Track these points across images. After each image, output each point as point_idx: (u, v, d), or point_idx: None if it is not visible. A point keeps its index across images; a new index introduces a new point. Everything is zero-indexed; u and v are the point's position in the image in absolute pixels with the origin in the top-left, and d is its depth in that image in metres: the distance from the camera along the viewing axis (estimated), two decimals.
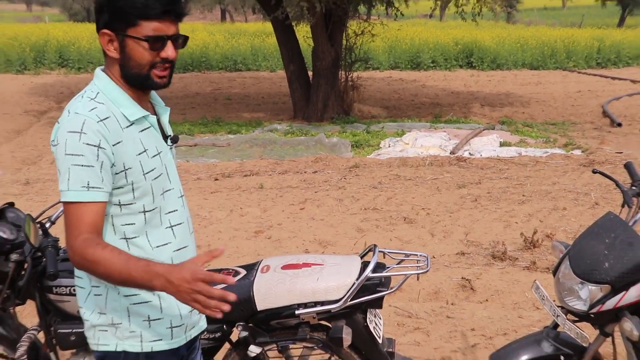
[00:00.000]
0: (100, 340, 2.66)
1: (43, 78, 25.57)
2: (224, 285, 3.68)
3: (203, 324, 2.92)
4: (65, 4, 56.55)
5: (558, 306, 3.56)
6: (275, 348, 3.85)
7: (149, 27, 2.45)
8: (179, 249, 2.70)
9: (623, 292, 3.31)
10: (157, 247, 2.62)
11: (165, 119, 2.72)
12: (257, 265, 3.87)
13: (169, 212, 2.68)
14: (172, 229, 2.69)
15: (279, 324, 3.76)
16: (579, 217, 8.24)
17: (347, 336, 3.62)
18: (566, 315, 3.53)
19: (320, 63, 15.86)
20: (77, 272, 2.67)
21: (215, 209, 9.03)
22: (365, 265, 3.65)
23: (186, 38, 2.61)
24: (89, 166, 2.38)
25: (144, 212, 2.58)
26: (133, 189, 2.53)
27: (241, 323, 3.75)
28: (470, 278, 6.49)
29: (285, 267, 3.76)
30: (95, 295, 2.63)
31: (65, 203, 2.43)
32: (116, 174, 2.46)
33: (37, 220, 3.78)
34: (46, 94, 20.96)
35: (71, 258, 2.44)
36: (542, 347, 3.64)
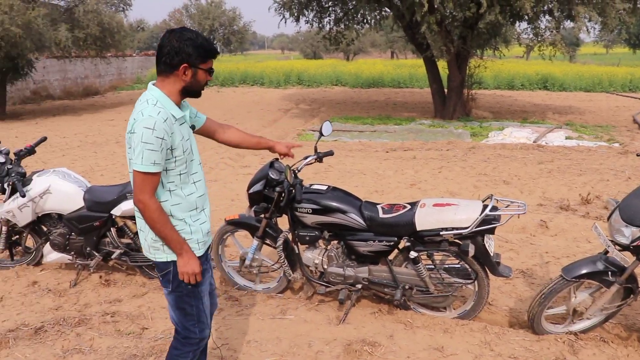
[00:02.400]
0: (156, 255, 2.61)
1: (288, 91, 26.28)
2: (399, 212, 3.92)
3: (209, 240, 2.79)
4: (302, 48, 58.09)
5: (609, 240, 3.57)
6: (426, 254, 3.95)
7: (210, 63, 2.54)
8: (200, 196, 2.66)
9: None
10: (187, 195, 2.60)
11: (186, 115, 2.62)
12: (417, 203, 3.97)
13: (193, 174, 2.64)
14: (195, 184, 2.64)
15: (429, 240, 3.85)
16: (617, 186, 7.88)
17: (471, 250, 3.72)
18: (614, 246, 3.55)
19: (452, 83, 15.95)
20: (139, 217, 2.60)
21: (386, 170, 9.12)
22: (485, 206, 3.71)
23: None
24: (155, 151, 2.38)
25: (180, 174, 2.55)
26: (175, 161, 2.51)
27: (406, 237, 3.89)
28: (546, 220, 6.35)
29: (435, 205, 3.86)
30: (147, 226, 2.56)
31: (137, 172, 2.41)
32: (168, 151, 2.46)
33: (291, 168, 4.07)
34: (289, 99, 21.69)
35: (137, 203, 2.46)
36: (596, 265, 3.63)
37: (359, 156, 10.37)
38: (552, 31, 14.84)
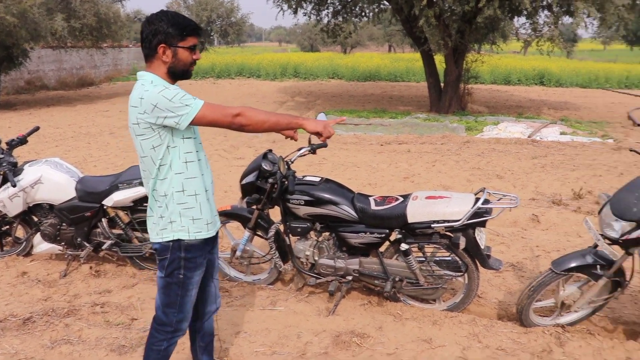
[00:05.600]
0: (163, 235, 2.56)
1: (284, 83, 26.26)
2: (390, 205, 3.93)
3: (219, 224, 2.77)
4: (299, 41, 57.90)
5: (599, 233, 3.59)
6: (417, 246, 3.98)
7: (191, 41, 2.47)
8: (209, 179, 2.65)
9: None
10: (202, 174, 2.59)
11: None
12: (410, 195, 3.99)
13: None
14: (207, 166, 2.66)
15: (420, 232, 3.87)
16: (609, 181, 7.90)
17: (462, 242, 3.75)
18: (604, 239, 3.58)
19: (448, 77, 16.00)
20: (152, 198, 2.59)
21: (380, 163, 9.13)
22: (477, 200, 3.74)
23: (202, 45, 2.49)
24: (184, 94, 2.37)
25: (196, 145, 2.56)
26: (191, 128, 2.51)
27: (397, 229, 3.91)
28: (537, 214, 6.39)
29: (427, 198, 3.88)
30: (158, 207, 2.55)
31: (201, 112, 2.37)
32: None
33: (284, 160, 4.09)
34: (285, 92, 21.66)
35: (237, 124, 2.44)
36: (586, 259, 3.66)
37: (354, 149, 10.38)
38: (550, 26, 14.86)
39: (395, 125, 13.83)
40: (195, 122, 2.40)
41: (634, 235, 3.36)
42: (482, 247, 3.84)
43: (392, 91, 22.82)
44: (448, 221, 3.72)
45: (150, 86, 2.39)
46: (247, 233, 4.44)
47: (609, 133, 13.02)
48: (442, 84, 16.67)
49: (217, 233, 2.77)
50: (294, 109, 16.58)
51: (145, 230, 4.69)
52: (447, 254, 4.01)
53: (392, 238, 4.02)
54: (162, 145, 2.45)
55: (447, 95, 16.19)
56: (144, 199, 4.48)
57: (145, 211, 4.51)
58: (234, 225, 4.71)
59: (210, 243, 2.72)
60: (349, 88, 24.05)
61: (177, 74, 2.51)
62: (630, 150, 3.94)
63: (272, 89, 23.18)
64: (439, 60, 16.79)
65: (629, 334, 3.93)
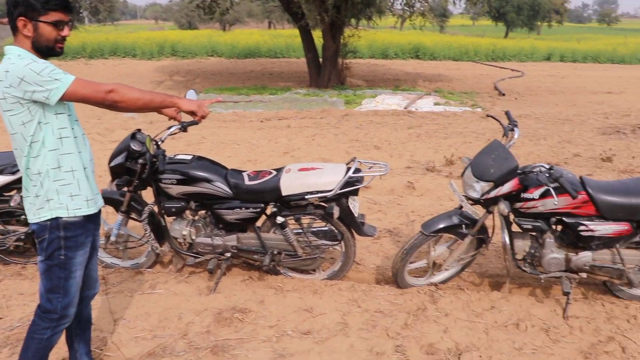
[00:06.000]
0: (41, 214, 2.45)
1: (161, 62, 25.34)
2: (264, 179, 3.93)
3: (101, 202, 2.67)
4: (177, 19, 55.81)
5: (463, 195, 3.81)
6: (293, 218, 4.02)
7: (55, 16, 2.35)
8: (88, 156, 2.55)
9: (500, 187, 3.59)
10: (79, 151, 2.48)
11: None
12: (283, 168, 4.00)
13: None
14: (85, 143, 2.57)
15: (295, 204, 3.91)
16: (478, 147, 8.34)
17: (336, 212, 3.82)
18: (467, 200, 3.79)
19: (326, 53, 16.32)
20: (26, 177, 2.46)
21: (260, 139, 9.08)
22: (348, 169, 3.82)
23: (73, 23, 2.42)
24: (54, 68, 2.27)
25: (71, 122, 2.46)
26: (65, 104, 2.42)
27: (272, 203, 3.92)
28: (413, 181, 6.65)
29: (300, 170, 3.91)
30: (33, 186, 2.44)
31: (72, 88, 2.28)
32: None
33: (153, 139, 3.98)
34: (163, 71, 20.87)
35: (109, 100, 2.35)
36: (452, 219, 3.87)
37: (233, 126, 10.26)
38: (421, 2, 15.49)
39: (275, 102, 13.83)
40: (65, 98, 2.31)
41: (493, 194, 3.60)
42: (356, 215, 3.93)
43: (272, 67, 22.79)
44: (321, 192, 3.77)
45: (16, 59, 2.29)
46: (120, 217, 4.27)
47: (477, 102, 13.87)
48: (320, 60, 16.88)
49: (99, 212, 2.68)
50: (172, 89, 16.08)
51: (7, 222, 4.40)
52: (323, 224, 4.06)
53: (268, 212, 4.02)
54: (32, 122, 2.34)
55: (326, 70, 16.46)
56: (3, 188, 4.20)
57: (6, 201, 4.25)
58: (107, 210, 4.52)
59: (93, 222, 2.62)
60: (228, 65, 23.70)
61: (42, 50, 2.38)
62: (488, 116, 4.18)
63: (149, 68, 22.29)
64: (318, 35, 16.96)
65: (494, 285, 4.25)
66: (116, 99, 2.37)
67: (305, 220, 4.13)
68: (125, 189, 4.09)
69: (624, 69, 27.03)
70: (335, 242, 4.03)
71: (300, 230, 4.07)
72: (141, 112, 2.44)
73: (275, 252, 4.02)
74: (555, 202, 3.47)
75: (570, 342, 3.37)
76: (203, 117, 2.72)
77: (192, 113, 2.67)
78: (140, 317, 3.63)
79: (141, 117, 10.86)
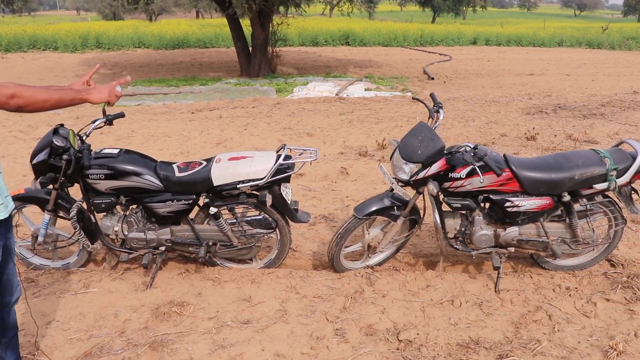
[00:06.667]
0: None
1: (86, 55, 24.39)
2: (194, 170, 3.88)
3: (12, 205, 2.50)
4: (100, 9, 53.63)
5: (393, 177, 3.88)
6: (226, 208, 4.00)
7: None
8: None
9: (428, 168, 3.68)
10: None
11: None
12: (213, 158, 3.95)
13: None
14: None
15: (227, 194, 3.88)
16: (408, 130, 8.63)
17: (269, 199, 3.82)
18: (397, 182, 3.87)
19: (256, 41, 16.22)
20: None
21: (192, 131, 8.95)
22: (278, 156, 3.81)
23: None
24: None
25: None
26: None
27: (204, 194, 3.88)
28: (346, 167, 6.73)
29: (230, 159, 3.87)
30: None
31: None
32: None
33: (77, 134, 3.86)
34: (88, 64, 20.00)
35: (14, 105, 2.20)
36: (384, 202, 3.93)
37: (164, 119, 10.05)
38: None
39: (206, 92, 13.67)
40: None
41: (421, 175, 3.69)
42: (289, 202, 3.94)
43: (201, 58, 22.44)
44: (253, 180, 3.75)
45: None
46: (47, 216, 4.11)
47: (407, 87, 14.15)
48: (250, 48, 16.75)
49: (10, 217, 2.53)
50: (99, 82, 15.51)
51: None
52: (257, 212, 4.06)
53: (200, 203, 3.98)
54: None
55: (256, 59, 16.35)
56: None
57: None
58: (32, 209, 4.37)
59: (3, 226, 2.47)
60: (156, 57, 23.16)
61: None
62: (413, 99, 4.26)
63: (72, 61, 21.47)
64: (246, 24, 16.79)
65: (428, 264, 4.39)
66: (20, 103, 2.22)
67: (239, 209, 4.11)
68: (51, 186, 3.94)
69: (544, 51, 28.24)
70: (270, 230, 4.04)
71: (235, 220, 4.05)
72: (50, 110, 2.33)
73: (210, 244, 3.99)
74: (481, 180, 3.61)
75: (502, 314, 3.54)
76: (117, 98, 2.67)
77: (107, 103, 2.64)
78: (75, 317, 3.53)
79: (67, 112, 10.47)
